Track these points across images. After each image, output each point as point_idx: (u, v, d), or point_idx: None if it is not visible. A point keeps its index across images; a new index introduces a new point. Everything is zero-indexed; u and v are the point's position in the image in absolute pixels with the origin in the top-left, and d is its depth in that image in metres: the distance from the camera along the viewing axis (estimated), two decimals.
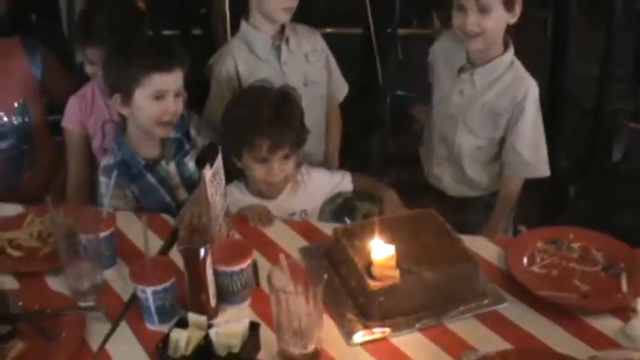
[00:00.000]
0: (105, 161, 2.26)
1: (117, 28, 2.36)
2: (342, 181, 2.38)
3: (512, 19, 2.26)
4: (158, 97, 2.14)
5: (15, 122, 2.61)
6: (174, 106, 2.17)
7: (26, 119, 2.64)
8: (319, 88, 2.58)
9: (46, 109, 2.74)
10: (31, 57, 2.64)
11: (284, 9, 2.38)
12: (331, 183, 2.37)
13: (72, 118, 2.54)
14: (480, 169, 2.45)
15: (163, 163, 2.27)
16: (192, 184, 2.28)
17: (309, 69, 2.53)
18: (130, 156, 2.23)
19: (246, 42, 2.48)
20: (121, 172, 2.15)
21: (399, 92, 3.55)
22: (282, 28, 2.48)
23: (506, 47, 2.32)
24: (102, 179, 2.24)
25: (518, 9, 2.25)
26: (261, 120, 2.11)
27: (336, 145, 2.72)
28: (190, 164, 2.29)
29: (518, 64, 2.34)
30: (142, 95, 2.14)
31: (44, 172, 2.72)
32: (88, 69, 2.47)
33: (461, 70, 2.36)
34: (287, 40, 2.48)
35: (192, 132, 2.33)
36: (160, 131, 2.20)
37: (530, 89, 2.31)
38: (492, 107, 2.34)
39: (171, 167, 2.28)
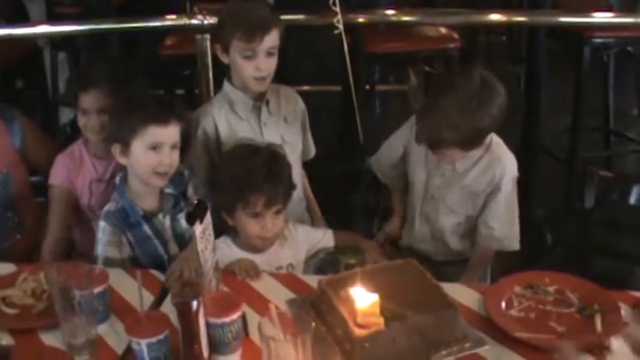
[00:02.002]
0: (107, 207, 2.32)
1: (113, 75, 2.50)
2: (324, 237, 2.45)
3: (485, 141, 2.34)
4: (154, 148, 2.23)
5: None
6: (169, 158, 2.25)
7: (9, 188, 2.66)
8: (295, 150, 2.63)
9: (28, 173, 2.77)
10: (9, 126, 2.67)
11: (255, 78, 2.44)
12: (315, 239, 2.44)
13: (60, 175, 2.58)
14: (464, 240, 2.52)
15: (160, 216, 2.33)
16: (183, 240, 2.34)
17: (286, 130, 2.59)
18: (129, 205, 2.30)
19: (228, 100, 2.54)
20: (119, 219, 2.26)
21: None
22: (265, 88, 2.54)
23: None
24: (101, 223, 2.30)
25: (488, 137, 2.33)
26: (257, 177, 2.19)
27: (313, 198, 2.80)
28: (183, 222, 2.34)
29: (496, 142, 2.39)
30: (138, 146, 2.23)
31: (30, 235, 2.74)
32: (81, 120, 2.53)
33: None
34: (267, 102, 2.54)
35: (190, 192, 2.39)
36: (155, 181, 2.28)
37: (507, 169, 2.37)
38: (471, 189, 2.41)
39: (167, 221, 2.34)
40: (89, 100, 2.51)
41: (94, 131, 2.53)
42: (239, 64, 2.44)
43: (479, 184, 2.39)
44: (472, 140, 2.26)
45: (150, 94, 2.58)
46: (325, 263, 2.46)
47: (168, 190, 2.34)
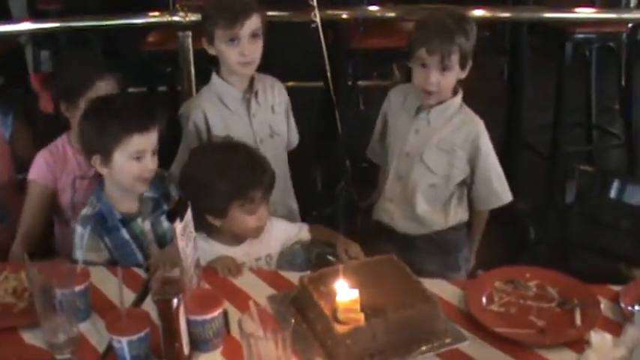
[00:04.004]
0: (84, 212, 2.30)
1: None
2: (301, 231, 2.45)
3: (463, 75, 2.43)
4: (138, 157, 2.20)
5: None
6: (152, 164, 2.24)
7: None
8: (283, 140, 2.68)
9: (15, 168, 2.78)
10: (3, 119, 2.71)
11: (240, 63, 2.48)
12: (292, 232, 2.44)
13: (40, 171, 2.56)
14: (430, 209, 2.55)
15: (139, 220, 2.32)
16: (165, 242, 2.32)
17: (274, 120, 2.63)
18: (107, 209, 2.28)
19: (217, 94, 2.56)
20: (97, 224, 2.24)
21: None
22: (252, 81, 2.57)
23: (454, 92, 2.47)
24: (78, 229, 2.27)
25: (468, 67, 2.42)
26: (252, 172, 2.20)
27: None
28: (165, 224, 2.32)
29: (465, 107, 2.50)
30: (121, 156, 2.19)
31: (14, 227, 2.69)
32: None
33: (418, 110, 2.49)
34: (256, 94, 2.57)
35: (173, 192, 2.39)
36: (139, 188, 2.27)
37: (480, 127, 2.48)
38: (447, 144, 2.46)
39: (146, 225, 2.33)
40: (107, 86, 2.50)
41: None
42: (224, 51, 2.47)
43: (454, 139, 2.46)
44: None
45: (127, 96, 2.57)
46: (297, 253, 2.46)
47: (147, 194, 2.32)
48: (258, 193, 2.20)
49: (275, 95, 2.65)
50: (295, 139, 2.80)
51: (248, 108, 2.57)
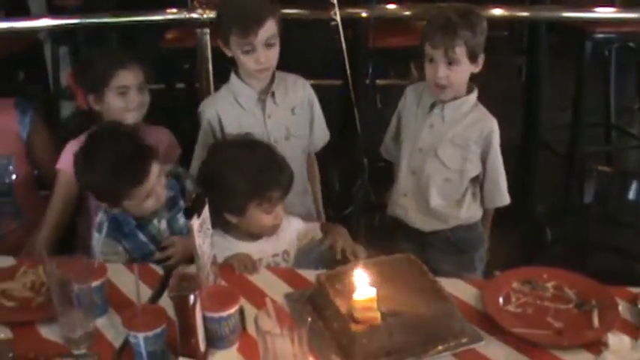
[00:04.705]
0: (99, 218, 2.32)
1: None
2: (314, 228, 2.45)
3: (476, 69, 2.43)
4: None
5: None
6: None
7: (9, 175, 2.71)
8: (301, 142, 2.64)
9: (32, 167, 2.81)
10: (21, 117, 2.73)
11: (257, 70, 2.47)
12: (306, 228, 2.43)
13: (69, 161, 2.51)
14: (444, 204, 2.54)
15: (155, 221, 2.32)
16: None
17: (293, 122, 2.60)
18: (121, 215, 2.29)
19: (233, 93, 2.56)
20: (113, 229, 2.26)
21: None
22: (271, 81, 2.55)
23: (469, 90, 2.48)
24: (95, 235, 2.30)
25: (480, 60, 2.41)
26: (271, 172, 2.21)
27: (319, 194, 2.80)
28: (181, 221, 2.34)
29: (480, 105, 2.51)
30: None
31: (28, 226, 2.75)
32: (118, 102, 2.56)
33: (432, 106, 2.49)
34: (273, 94, 2.55)
35: (189, 188, 2.39)
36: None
37: (494, 125, 2.49)
38: (462, 139, 2.47)
39: (163, 224, 2.34)
40: (130, 76, 2.54)
41: (135, 110, 2.56)
42: (240, 57, 2.46)
43: (469, 134, 2.47)
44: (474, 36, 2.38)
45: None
46: (312, 247, 2.42)
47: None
48: (276, 193, 2.21)
49: (298, 95, 2.62)
50: (320, 140, 2.75)
51: (263, 108, 2.55)
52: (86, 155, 2.22)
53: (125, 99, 2.54)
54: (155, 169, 2.20)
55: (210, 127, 2.56)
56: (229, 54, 2.50)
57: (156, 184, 2.21)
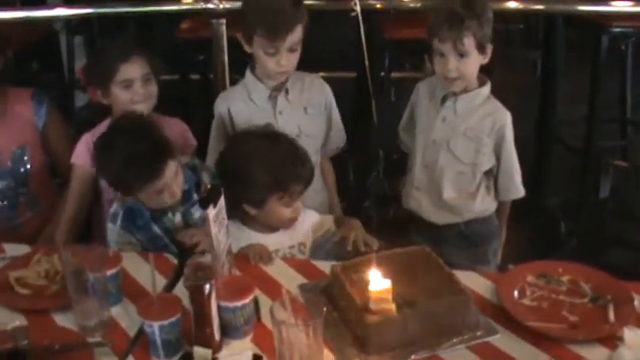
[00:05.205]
0: (113, 209, 2.32)
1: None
2: (329, 221, 2.44)
3: (485, 60, 2.41)
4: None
5: (10, 165, 2.70)
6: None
7: (24, 164, 2.73)
8: (315, 142, 2.61)
9: (47, 157, 2.83)
10: (37, 108, 2.76)
11: (277, 72, 2.46)
12: (320, 221, 2.42)
13: (83, 154, 2.59)
14: (457, 197, 2.53)
15: (170, 214, 2.32)
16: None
17: (305, 121, 2.58)
18: (136, 206, 2.29)
19: (247, 89, 2.56)
20: (127, 220, 2.27)
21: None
22: (286, 78, 2.53)
23: (482, 83, 2.47)
24: (110, 226, 2.30)
25: (489, 51, 2.40)
26: (294, 166, 2.20)
27: (335, 193, 2.79)
28: (197, 214, 2.33)
29: (493, 98, 2.50)
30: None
31: (44, 214, 2.80)
32: (124, 95, 2.55)
33: (444, 98, 2.48)
34: (287, 91, 2.54)
35: (205, 180, 2.39)
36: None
37: (508, 118, 2.47)
38: (475, 132, 2.46)
39: (177, 217, 2.33)
40: (134, 69, 2.53)
41: (142, 101, 2.55)
42: (261, 58, 2.44)
43: (481, 127, 2.46)
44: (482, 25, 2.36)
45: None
46: (327, 238, 2.41)
47: None
48: (297, 187, 2.21)
49: (313, 96, 2.60)
50: (335, 143, 2.74)
51: (274, 104, 2.54)
52: (104, 144, 2.22)
53: (130, 92, 2.54)
54: (172, 166, 2.19)
55: (222, 121, 2.57)
56: (249, 50, 2.47)
57: (172, 181, 2.21)
